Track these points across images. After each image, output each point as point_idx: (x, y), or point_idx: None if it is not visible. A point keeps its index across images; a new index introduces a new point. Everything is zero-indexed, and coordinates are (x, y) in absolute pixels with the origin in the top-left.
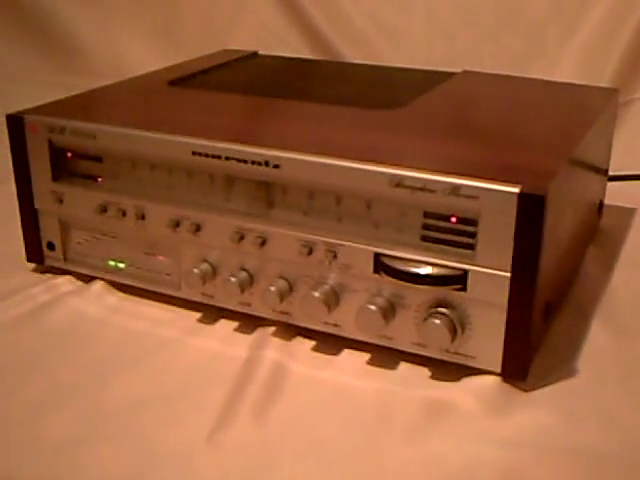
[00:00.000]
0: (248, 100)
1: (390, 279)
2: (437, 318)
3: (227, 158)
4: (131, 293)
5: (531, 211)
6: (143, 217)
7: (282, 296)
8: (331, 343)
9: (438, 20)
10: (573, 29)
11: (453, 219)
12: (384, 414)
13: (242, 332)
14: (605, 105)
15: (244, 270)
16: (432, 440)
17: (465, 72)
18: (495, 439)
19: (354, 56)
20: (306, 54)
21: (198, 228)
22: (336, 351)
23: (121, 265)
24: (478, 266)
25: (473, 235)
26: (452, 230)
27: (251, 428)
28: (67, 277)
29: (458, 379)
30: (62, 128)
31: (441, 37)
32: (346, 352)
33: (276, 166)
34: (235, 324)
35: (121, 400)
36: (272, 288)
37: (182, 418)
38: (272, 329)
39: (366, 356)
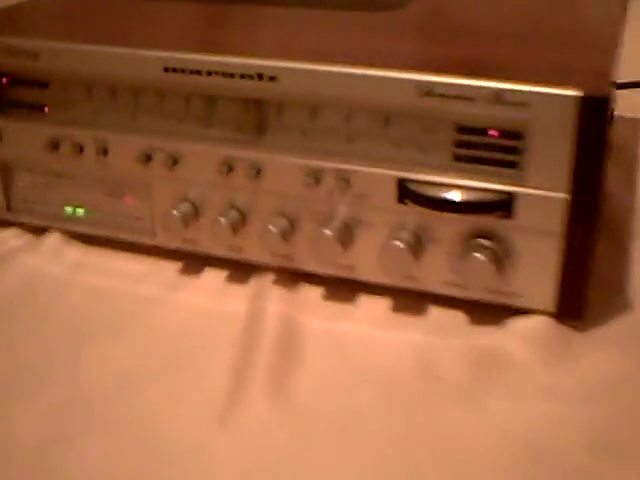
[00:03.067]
0: (217, 7)
1: (418, 208)
2: (478, 251)
3: (209, 73)
4: (94, 244)
5: (594, 118)
6: (105, 152)
7: (284, 236)
8: (344, 289)
9: None
10: None
11: (493, 132)
12: (426, 371)
13: (235, 282)
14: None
15: (234, 208)
16: (489, 400)
17: None
18: (564, 393)
19: None
20: None
21: (175, 161)
22: (352, 298)
23: (80, 211)
24: (526, 187)
25: (519, 151)
26: (493, 146)
27: (271, 402)
28: (12, 230)
29: (502, 322)
30: (10, 48)
31: None
32: (364, 299)
33: (272, 78)
34: (225, 273)
35: (105, 380)
36: (272, 227)
37: (184, 397)
38: (271, 277)
39: (388, 302)
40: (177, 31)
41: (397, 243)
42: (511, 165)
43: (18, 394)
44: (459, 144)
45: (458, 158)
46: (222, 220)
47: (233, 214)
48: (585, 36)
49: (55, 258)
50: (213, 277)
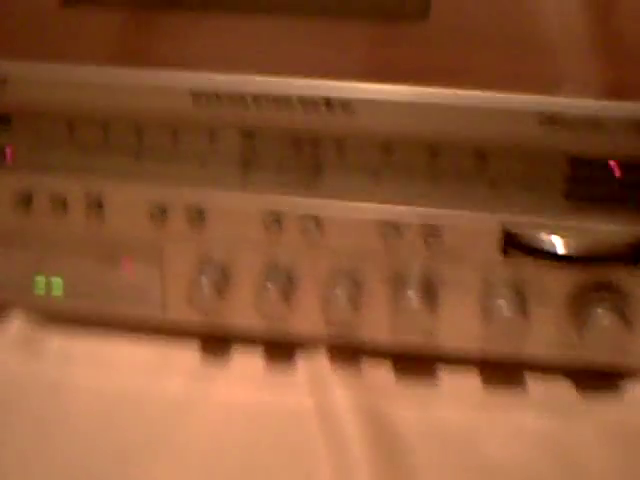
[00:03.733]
0: (207, 16)
1: (525, 259)
2: (601, 307)
3: (255, 99)
4: (77, 326)
5: None
6: (99, 205)
7: (350, 302)
8: (418, 364)
9: None
10: None
11: (614, 164)
12: (568, 463)
13: (280, 366)
14: None
15: (281, 270)
16: None
17: None
18: None
19: None
20: None
21: (200, 214)
22: (432, 375)
23: (57, 282)
24: None
25: None
26: (615, 180)
27: None
28: None
29: (619, 390)
30: None
31: None
32: (447, 374)
33: (345, 107)
34: (261, 354)
35: None
36: (338, 291)
37: None
38: (322, 354)
39: (477, 376)
40: (200, 46)
41: (500, 304)
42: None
43: None
44: (573, 179)
45: (571, 196)
46: (270, 286)
47: (280, 278)
48: None
49: (29, 350)
50: (249, 360)
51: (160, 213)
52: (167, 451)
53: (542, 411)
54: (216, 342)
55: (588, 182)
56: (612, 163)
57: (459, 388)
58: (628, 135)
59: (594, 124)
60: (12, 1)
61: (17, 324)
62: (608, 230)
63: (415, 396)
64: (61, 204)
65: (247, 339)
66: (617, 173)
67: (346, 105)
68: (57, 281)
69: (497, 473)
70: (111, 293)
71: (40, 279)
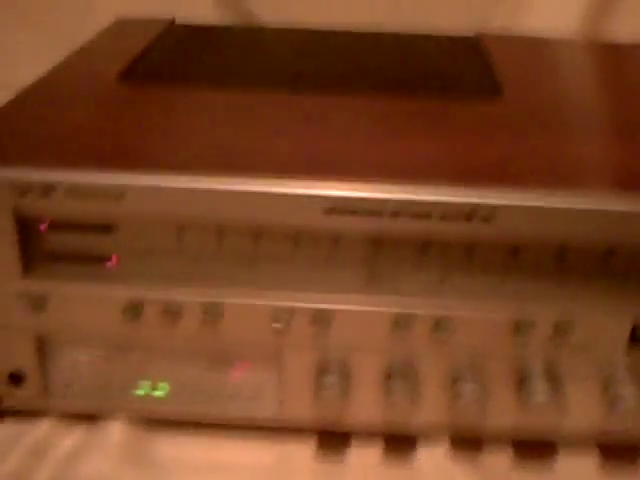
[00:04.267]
0: (291, 99)
1: None
2: None
3: (395, 213)
4: (183, 431)
5: None
6: (216, 316)
7: (477, 397)
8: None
9: None
10: None
11: None
12: None
13: (397, 462)
14: None
15: (400, 373)
16: None
17: (483, 35)
18: None
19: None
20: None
21: (319, 320)
22: (549, 462)
23: (162, 389)
24: None
25: None
26: None
27: None
28: (40, 424)
29: None
30: (48, 187)
31: None
32: (567, 459)
33: (486, 219)
34: (378, 448)
35: None
36: (468, 388)
37: None
38: (441, 448)
39: (593, 458)
40: (276, 146)
41: (624, 393)
42: None
43: None
44: None
45: None
46: (396, 388)
47: (402, 378)
48: None
49: (136, 459)
50: (369, 455)
51: (284, 320)
52: None
53: None
54: (333, 438)
55: None
56: None
57: (581, 474)
58: None
59: None
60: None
61: (111, 433)
62: None
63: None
64: (174, 315)
65: (364, 434)
66: None
67: (490, 214)
68: (162, 388)
69: None
70: (216, 398)
71: (142, 389)
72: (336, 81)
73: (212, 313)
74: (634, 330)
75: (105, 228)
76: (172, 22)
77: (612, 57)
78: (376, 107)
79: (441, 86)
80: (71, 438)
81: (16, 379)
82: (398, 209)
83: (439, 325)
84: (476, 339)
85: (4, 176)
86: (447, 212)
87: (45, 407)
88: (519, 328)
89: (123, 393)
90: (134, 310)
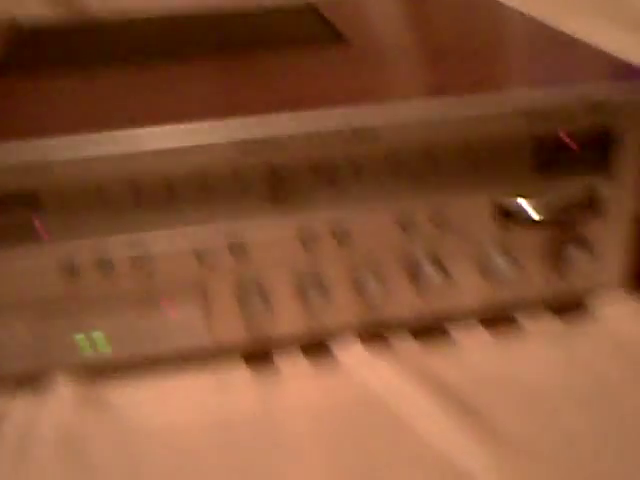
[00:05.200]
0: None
1: (515, 227)
2: (577, 251)
3: (292, 140)
4: (118, 376)
5: None
6: (146, 259)
7: (379, 289)
8: (432, 328)
9: None
10: None
11: (567, 139)
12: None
13: (323, 361)
14: None
15: (312, 281)
16: None
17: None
18: None
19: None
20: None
21: (236, 247)
22: (444, 335)
23: (98, 338)
24: (611, 185)
25: (607, 152)
26: (577, 151)
27: None
28: None
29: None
30: None
31: None
32: (461, 331)
33: (373, 132)
34: (301, 356)
35: None
36: (373, 286)
37: None
38: (355, 342)
39: (483, 330)
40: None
41: (500, 262)
42: (598, 168)
43: None
44: (540, 156)
45: (541, 169)
46: (312, 295)
47: (314, 285)
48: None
49: (93, 407)
50: (296, 363)
51: (203, 253)
52: (280, 457)
53: (545, 339)
54: (260, 355)
55: (550, 156)
56: (567, 139)
57: (474, 341)
58: (579, 116)
59: (553, 110)
60: None
61: (62, 385)
62: (571, 191)
63: (448, 354)
64: (107, 265)
65: (286, 346)
66: (572, 146)
67: (371, 133)
68: (98, 340)
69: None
70: (150, 336)
71: (79, 340)
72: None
73: (139, 258)
74: (496, 209)
75: (30, 198)
76: (13, 19)
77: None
78: (237, 66)
79: (292, 45)
80: (23, 399)
81: None
82: (297, 140)
83: (340, 232)
84: (371, 242)
85: None
86: (334, 135)
87: None
88: (405, 226)
89: (62, 349)
90: (67, 270)
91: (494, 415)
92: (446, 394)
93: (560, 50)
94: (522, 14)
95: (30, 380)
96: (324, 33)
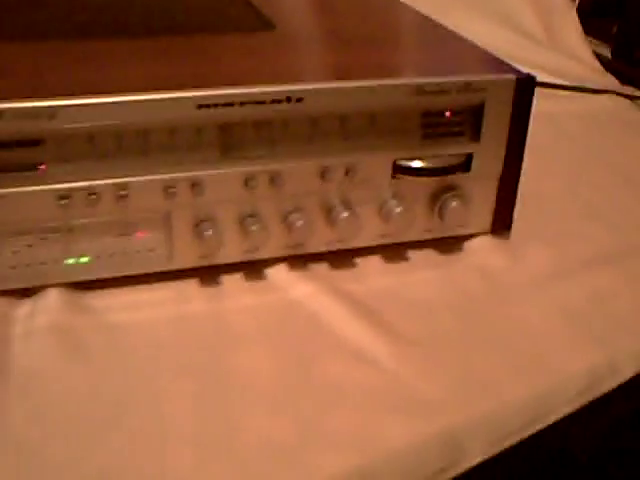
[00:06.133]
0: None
1: (407, 178)
2: (451, 199)
3: (242, 103)
4: (95, 288)
5: (525, 95)
6: (124, 195)
7: (306, 226)
8: (345, 257)
9: None
10: None
11: (447, 113)
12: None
13: (258, 280)
14: None
15: (251, 216)
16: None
17: None
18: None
19: None
20: None
21: (194, 187)
22: (351, 261)
23: (84, 260)
24: (480, 149)
25: (475, 124)
26: (450, 124)
27: None
28: None
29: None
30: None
31: None
32: (359, 260)
33: (299, 100)
34: (241, 274)
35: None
36: (297, 222)
37: None
38: (283, 266)
39: (380, 258)
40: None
41: (397, 209)
42: (470, 135)
43: None
44: (426, 126)
45: (426, 137)
46: (253, 227)
47: (253, 220)
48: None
49: (78, 308)
50: (238, 280)
51: (168, 192)
52: (228, 344)
53: (430, 267)
54: (208, 274)
55: (434, 126)
56: (447, 113)
57: (374, 266)
58: (456, 95)
59: (437, 91)
60: None
61: (55, 294)
62: (450, 153)
63: (354, 275)
64: (95, 200)
65: (228, 269)
66: (450, 117)
67: (300, 97)
68: (83, 259)
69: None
70: (126, 258)
71: (69, 261)
72: (117, 28)
73: (120, 193)
74: (394, 166)
75: (36, 142)
76: None
77: None
78: (172, 46)
79: (221, 26)
80: (23, 306)
81: None
82: (244, 100)
83: (273, 179)
84: (297, 186)
85: None
86: (272, 98)
87: None
88: (323, 175)
89: (54, 267)
90: (62, 200)
91: (391, 318)
92: (353, 302)
93: (444, 43)
94: (414, 10)
95: (28, 293)
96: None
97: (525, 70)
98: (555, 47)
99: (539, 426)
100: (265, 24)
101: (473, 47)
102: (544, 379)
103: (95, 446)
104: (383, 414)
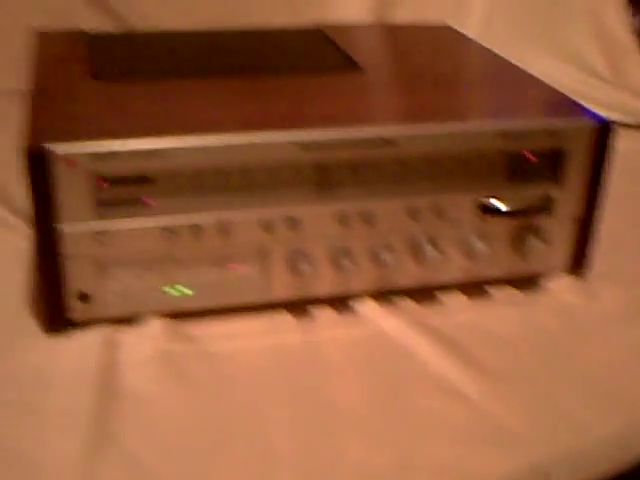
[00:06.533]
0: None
1: (494, 218)
2: (535, 240)
3: (341, 145)
4: (198, 317)
5: (605, 139)
6: (225, 229)
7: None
8: (427, 293)
9: None
10: None
11: (530, 156)
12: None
13: (347, 312)
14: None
15: (343, 252)
16: None
17: (321, 26)
18: None
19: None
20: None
21: (292, 223)
22: (434, 298)
23: (185, 290)
24: (562, 192)
25: (558, 167)
26: (537, 165)
27: None
28: (97, 329)
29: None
30: (114, 154)
31: None
32: (447, 295)
33: (394, 142)
34: (328, 308)
35: None
36: (388, 259)
37: None
38: (371, 301)
39: (461, 294)
40: (239, 113)
41: (477, 245)
42: (551, 178)
43: None
44: (511, 168)
45: (512, 177)
46: (345, 263)
47: (345, 256)
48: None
49: (182, 337)
50: (329, 313)
51: (268, 227)
52: (321, 373)
53: (510, 304)
54: (300, 307)
55: (517, 168)
56: (530, 156)
57: (457, 302)
58: (539, 139)
59: (522, 135)
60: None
61: (157, 322)
62: (532, 194)
63: (437, 310)
64: (198, 233)
65: (318, 302)
66: (533, 160)
67: (392, 142)
68: (184, 290)
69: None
70: (222, 289)
71: (170, 290)
72: (230, 69)
73: (222, 228)
74: (479, 206)
75: (147, 179)
76: (82, 31)
77: (413, 36)
78: (273, 86)
79: (313, 67)
80: (127, 333)
81: (84, 296)
82: (344, 141)
83: (366, 217)
84: (388, 224)
85: (84, 149)
86: (370, 141)
87: (99, 316)
88: (412, 213)
89: (156, 296)
90: (168, 233)
91: (476, 352)
92: (440, 336)
93: (522, 85)
94: (488, 50)
95: (130, 321)
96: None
97: (590, 107)
98: (620, 85)
99: (623, 460)
100: (352, 66)
101: (551, 89)
102: (626, 415)
103: (204, 471)
104: (475, 446)
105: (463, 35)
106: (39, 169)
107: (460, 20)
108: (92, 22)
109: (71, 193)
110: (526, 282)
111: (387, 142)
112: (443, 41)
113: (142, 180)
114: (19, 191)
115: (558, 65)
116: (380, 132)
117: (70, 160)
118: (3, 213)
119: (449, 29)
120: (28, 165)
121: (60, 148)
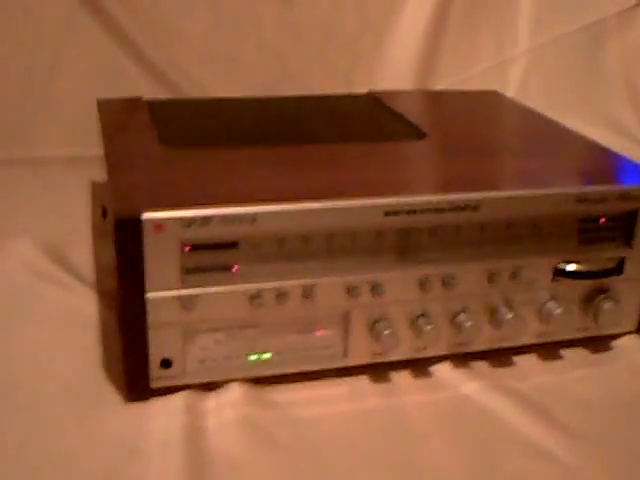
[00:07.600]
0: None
1: (566, 281)
2: (606, 300)
3: (424, 210)
4: (277, 382)
5: None
6: (309, 295)
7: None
8: (501, 356)
9: (268, 43)
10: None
11: (603, 219)
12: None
13: (424, 377)
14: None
15: (422, 316)
16: None
17: (374, 93)
18: None
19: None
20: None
21: (373, 288)
22: (509, 360)
23: (266, 356)
24: (632, 252)
25: (630, 229)
26: (609, 228)
27: None
28: (178, 396)
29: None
30: (205, 219)
31: (273, 60)
32: (522, 357)
33: (475, 207)
34: (406, 372)
35: None
36: (467, 323)
37: None
38: (447, 364)
39: (534, 357)
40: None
41: (555, 310)
42: (623, 240)
43: None
44: (582, 231)
45: (582, 241)
46: (428, 327)
47: (424, 320)
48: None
49: (262, 403)
50: (406, 377)
51: (350, 292)
52: (417, 439)
53: (585, 365)
54: (379, 370)
55: (590, 231)
56: (603, 219)
57: (532, 364)
58: (612, 202)
59: (596, 199)
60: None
61: (238, 388)
62: (605, 257)
63: (512, 372)
64: (282, 299)
65: (396, 365)
66: (605, 223)
67: (475, 206)
68: (266, 355)
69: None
70: (304, 354)
71: (252, 357)
72: (298, 136)
73: (306, 293)
74: (554, 270)
75: (234, 244)
76: (140, 99)
77: (465, 101)
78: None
79: (378, 134)
80: (210, 399)
81: (166, 364)
82: (427, 207)
83: (446, 281)
84: (467, 288)
85: (175, 216)
86: (452, 206)
87: (180, 383)
88: (490, 277)
89: (238, 362)
90: (253, 299)
91: (559, 415)
92: (520, 399)
93: (585, 150)
94: (543, 116)
95: (212, 387)
96: (403, 127)
97: None
98: None
99: None
100: (417, 133)
101: (614, 154)
102: None
103: None
104: None
105: (512, 100)
106: (129, 236)
107: (498, 89)
108: (147, 90)
109: (159, 261)
110: (596, 343)
111: (470, 206)
112: (497, 107)
113: (228, 246)
114: (78, 254)
115: (598, 132)
116: (465, 197)
117: (160, 226)
118: (64, 276)
119: (497, 94)
120: (118, 233)
121: (151, 215)
